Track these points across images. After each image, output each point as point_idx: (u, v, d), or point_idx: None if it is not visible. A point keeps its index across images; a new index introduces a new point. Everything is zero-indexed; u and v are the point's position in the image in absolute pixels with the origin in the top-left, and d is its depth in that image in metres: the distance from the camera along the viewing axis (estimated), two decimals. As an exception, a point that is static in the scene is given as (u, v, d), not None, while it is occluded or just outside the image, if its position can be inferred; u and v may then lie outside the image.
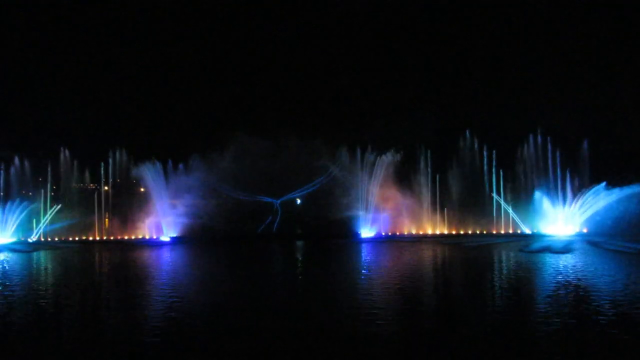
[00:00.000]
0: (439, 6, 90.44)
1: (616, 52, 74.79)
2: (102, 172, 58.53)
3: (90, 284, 24.11)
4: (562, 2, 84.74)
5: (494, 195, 55.29)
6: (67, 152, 58.16)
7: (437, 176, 57.14)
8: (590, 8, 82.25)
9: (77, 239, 55.74)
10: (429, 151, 57.64)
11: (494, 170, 56.09)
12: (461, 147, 57.83)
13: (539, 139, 55.11)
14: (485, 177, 56.27)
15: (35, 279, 26.47)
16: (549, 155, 54.34)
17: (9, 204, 53.72)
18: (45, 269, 32.37)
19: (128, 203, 58.09)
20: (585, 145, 53.77)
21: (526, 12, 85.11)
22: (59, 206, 55.79)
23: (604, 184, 48.30)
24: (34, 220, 55.20)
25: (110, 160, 58.81)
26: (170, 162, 57.67)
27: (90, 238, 56.27)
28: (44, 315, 16.30)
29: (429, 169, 57.44)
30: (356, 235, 53.65)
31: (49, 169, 57.39)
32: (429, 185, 57.09)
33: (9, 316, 16.07)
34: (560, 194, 52.54)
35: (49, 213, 55.12)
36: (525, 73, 77.93)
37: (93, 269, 32.20)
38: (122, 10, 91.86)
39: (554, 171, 53.67)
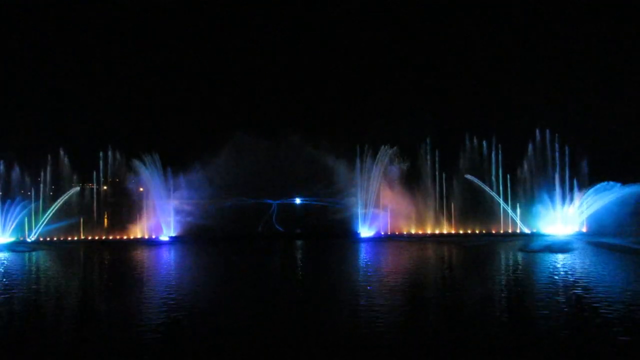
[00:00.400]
0: (439, 6, 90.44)
1: (617, 51, 74.76)
2: (102, 171, 58.47)
3: (90, 284, 24.03)
4: (562, 2, 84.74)
5: (467, 176, 55.34)
6: (65, 152, 58.08)
7: (437, 176, 57.11)
8: (590, 8, 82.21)
9: (75, 238, 55.63)
10: (428, 151, 57.62)
11: (493, 169, 56.06)
12: (461, 146, 57.79)
13: (538, 138, 55.06)
14: (485, 177, 56.22)
15: (34, 279, 26.37)
16: (549, 154, 54.33)
17: (7, 203, 53.64)
18: (44, 269, 32.27)
19: (127, 202, 58.03)
20: (585, 144, 53.78)
21: (526, 12, 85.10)
22: (79, 188, 56.07)
23: (619, 184, 48.12)
24: (33, 220, 55.12)
25: (110, 159, 58.74)
26: (169, 162, 57.62)
27: (89, 238, 56.16)
28: (43, 316, 16.22)
29: (429, 169, 57.40)
30: (355, 234, 53.58)
31: (48, 169, 57.31)
32: (429, 185, 57.06)
33: (9, 317, 16.00)
34: (559, 193, 52.51)
35: (50, 210, 54.99)
36: (527, 72, 77.89)
37: (92, 269, 32.10)
38: (122, 9, 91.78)
39: (553, 170, 53.64)
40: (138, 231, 56.46)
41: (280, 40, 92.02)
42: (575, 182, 52.36)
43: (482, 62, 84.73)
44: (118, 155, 58.76)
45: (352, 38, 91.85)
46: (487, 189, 54.52)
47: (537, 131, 54.84)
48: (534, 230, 52.47)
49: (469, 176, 55.32)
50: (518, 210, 54.47)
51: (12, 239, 52.56)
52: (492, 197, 55.15)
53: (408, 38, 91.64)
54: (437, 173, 57.22)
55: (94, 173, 58.71)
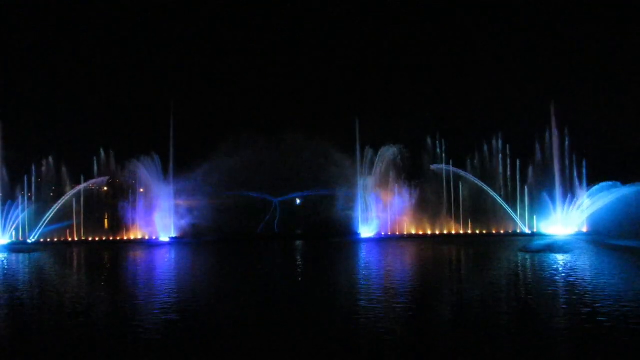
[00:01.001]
0: (439, 5, 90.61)
1: (618, 50, 74.86)
2: (102, 172, 58.46)
3: (91, 284, 23.98)
4: (562, 2, 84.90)
5: (433, 166, 55.39)
6: (65, 153, 58.16)
7: (437, 176, 57.05)
8: (591, 8, 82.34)
9: (76, 239, 55.60)
10: (428, 150, 57.59)
11: (493, 168, 56.03)
12: (460, 146, 57.80)
13: (538, 137, 55.06)
14: (486, 177, 56.15)
15: (35, 279, 26.31)
16: (549, 154, 54.28)
17: (7, 204, 53.62)
18: (45, 269, 32.20)
19: (127, 203, 58.01)
20: (586, 144, 53.76)
21: (527, 12, 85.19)
22: (107, 179, 55.83)
23: (619, 184, 48.01)
24: (34, 221, 55.04)
25: (112, 160, 58.77)
26: (170, 162, 57.54)
27: (90, 239, 56.13)
28: (40, 316, 16.18)
29: (429, 168, 57.34)
30: (356, 234, 53.53)
31: (48, 170, 57.31)
32: (429, 185, 57.00)
33: (11, 317, 15.95)
34: (560, 193, 52.44)
35: (51, 210, 54.93)
36: (528, 72, 78.04)
37: (92, 270, 32.04)
38: (123, 9, 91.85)
39: (553, 170, 53.57)
40: (138, 232, 56.44)
41: (280, 39, 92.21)
42: (575, 181, 52.36)
43: (483, 62, 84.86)
44: (118, 156, 58.79)
45: (352, 38, 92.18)
46: (463, 174, 54.59)
47: (537, 130, 54.91)
48: (534, 230, 52.47)
49: (434, 166, 55.47)
50: (518, 210, 54.48)
51: (12, 240, 52.57)
52: (492, 197, 55.12)
53: (408, 38, 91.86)
54: (437, 173, 57.22)
55: (93, 174, 58.73)
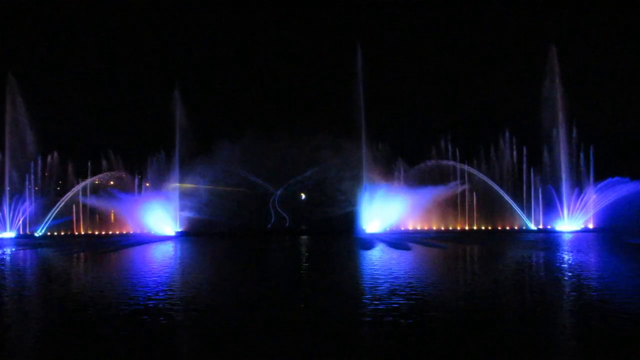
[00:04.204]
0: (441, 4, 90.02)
1: (621, 44, 73.98)
2: (109, 166, 58.86)
3: (94, 279, 24.09)
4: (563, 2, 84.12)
5: (434, 162, 55.07)
6: (72, 147, 58.64)
7: (443, 171, 56.93)
8: (589, 8, 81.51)
9: (82, 233, 56.06)
10: (435, 145, 57.47)
11: (497, 165, 55.76)
12: (465, 141, 57.64)
13: (543, 133, 54.70)
14: (492, 173, 55.92)
15: (42, 274, 26.49)
16: (555, 149, 53.91)
17: (15, 199, 54.14)
18: (53, 263, 32.44)
19: (132, 197, 58.44)
20: (593, 139, 53.43)
21: (528, 10, 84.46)
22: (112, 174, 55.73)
23: (628, 180, 47.72)
24: (41, 215, 55.55)
25: (119, 154, 59.27)
26: (176, 154, 57.69)
27: (96, 232, 56.58)
28: (46, 313, 16.25)
29: (432, 164, 57.26)
30: (361, 231, 53.53)
31: (51, 166, 57.78)
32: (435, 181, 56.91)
33: (18, 314, 16.04)
34: (566, 189, 52.08)
35: (58, 204, 55.42)
36: (529, 67, 77.39)
37: (95, 264, 32.20)
38: (125, 9, 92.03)
39: (559, 165, 53.21)
40: (144, 226, 56.77)
41: (282, 38, 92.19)
42: (582, 177, 52.06)
43: (485, 58, 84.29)
44: (123, 151, 59.24)
45: (352, 35, 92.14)
46: (467, 169, 54.52)
47: (541, 127, 54.55)
48: (540, 227, 52.25)
49: (436, 162, 55.53)
50: (521, 205, 54.26)
51: (21, 234, 53.12)
52: (499, 193, 54.90)
53: (409, 34, 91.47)
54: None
55: (98, 168, 59.18)
